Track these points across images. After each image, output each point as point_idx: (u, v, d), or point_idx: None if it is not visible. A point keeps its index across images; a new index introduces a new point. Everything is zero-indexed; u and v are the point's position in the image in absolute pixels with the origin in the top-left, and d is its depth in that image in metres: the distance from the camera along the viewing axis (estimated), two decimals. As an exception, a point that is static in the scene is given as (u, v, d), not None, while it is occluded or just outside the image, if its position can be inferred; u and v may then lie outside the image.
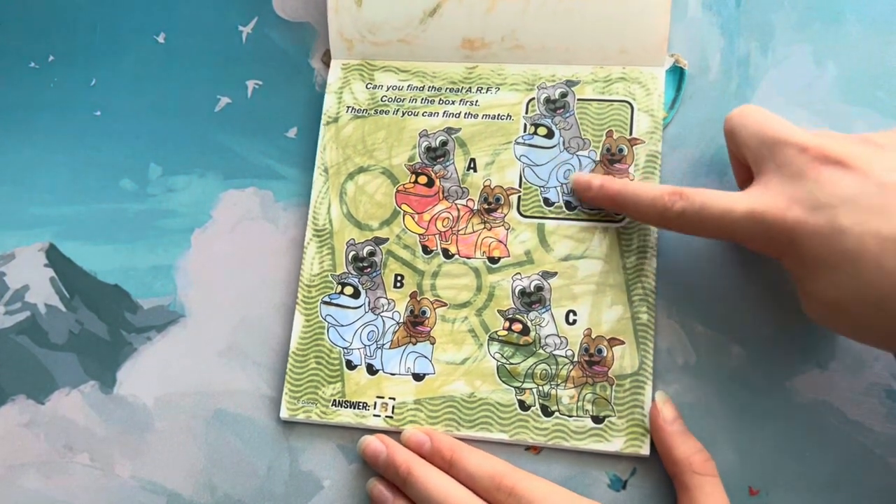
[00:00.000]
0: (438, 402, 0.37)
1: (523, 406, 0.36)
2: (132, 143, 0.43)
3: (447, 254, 0.38)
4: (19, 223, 0.43)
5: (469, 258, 0.38)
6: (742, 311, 0.36)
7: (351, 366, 0.37)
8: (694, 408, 0.35)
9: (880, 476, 0.34)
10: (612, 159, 0.38)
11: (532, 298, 0.37)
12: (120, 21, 0.45)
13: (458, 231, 0.38)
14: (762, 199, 0.29)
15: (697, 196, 0.31)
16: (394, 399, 0.37)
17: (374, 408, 0.37)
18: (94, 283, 0.42)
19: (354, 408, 0.37)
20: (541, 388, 0.36)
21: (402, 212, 0.39)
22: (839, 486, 0.34)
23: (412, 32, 0.40)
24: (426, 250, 0.38)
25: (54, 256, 0.42)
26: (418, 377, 0.37)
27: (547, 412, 0.36)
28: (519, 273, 0.37)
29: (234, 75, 0.43)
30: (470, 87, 0.40)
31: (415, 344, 0.37)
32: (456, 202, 0.39)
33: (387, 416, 0.37)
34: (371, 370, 0.37)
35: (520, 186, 0.38)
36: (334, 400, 0.37)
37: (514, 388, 0.36)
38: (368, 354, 0.38)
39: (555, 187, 0.38)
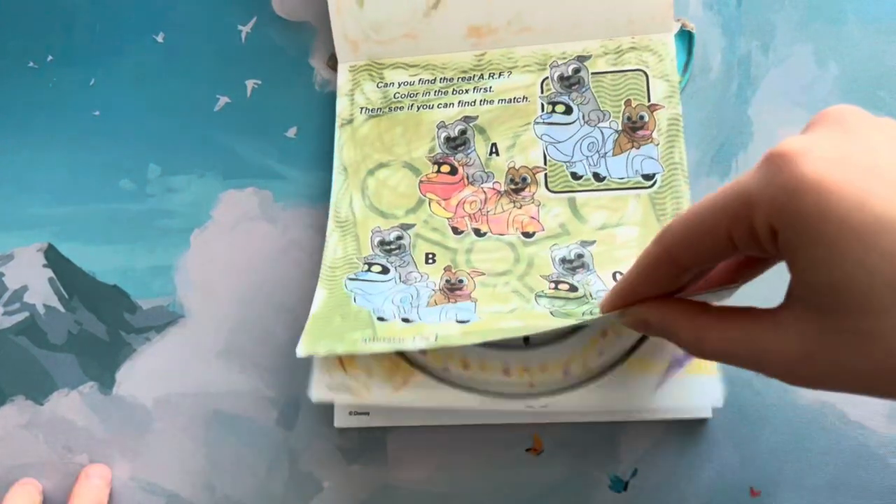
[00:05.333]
0: (492, 332, 0.33)
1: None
2: (131, 143, 0.43)
3: (479, 233, 0.37)
4: (18, 223, 0.43)
5: (503, 234, 0.37)
6: (743, 311, 0.36)
7: (382, 320, 0.34)
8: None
9: (882, 477, 0.34)
10: (633, 127, 0.37)
11: (574, 264, 0.36)
12: (119, 21, 0.45)
13: (488, 212, 0.38)
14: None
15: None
16: (436, 334, 0.33)
17: (413, 340, 0.33)
18: (93, 283, 0.42)
19: (389, 341, 0.33)
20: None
21: (427, 199, 0.38)
22: (841, 487, 0.34)
23: (417, 26, 0.40)
24: (456, 231, 0.37)
25: (53, 257, 0.42)
26: (462, 322, 0.34)
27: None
28: (556, 244, 0.36)
29: (233, 75, 0.43)
30: (482, 74, 0.40)
31: (455, 303, 0.35)
32: (482, 186, 0.38)
33: (430, 344, 0.32)
34: (406, 321, 0.34)
35: (545, 164, 0.38)
36: (365, 339, 0.33)
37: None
38: (403, 311, 0.35)
39: (580, 161, 0.38)
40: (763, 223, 0.22)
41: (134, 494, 0.38)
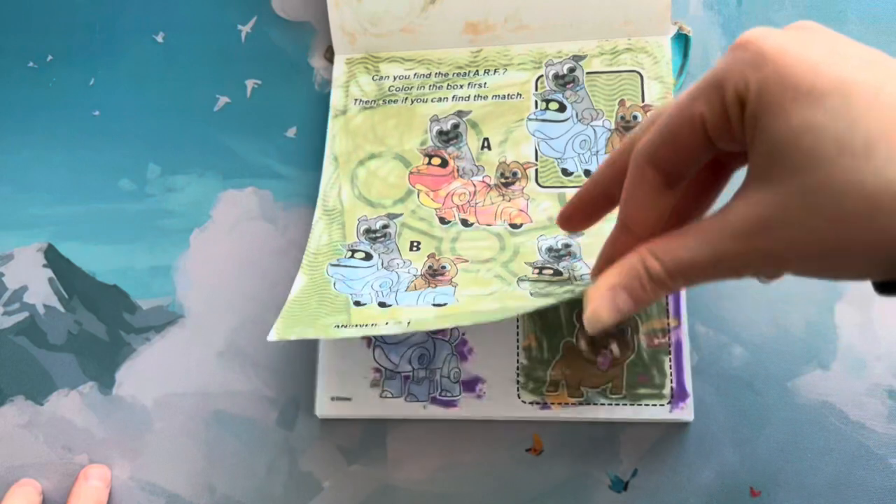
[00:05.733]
0: (466, 315, 0.32)
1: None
2: (131, 143, 0.43)
3: (466, 223, 0.37)
4: (18, 223, 0.43)
5: (490, 225, 0.37)
6: (743, 310, 0.36)
7: (359, 305, 0.34)
8: (694, 408, 0.35)
9: (882, 477, 0.34)
10: (627, 126, 0.38)
11: (561, 253, 0.36)
12: (118, 21, 0.45)
13: (476, 203, 0.38)
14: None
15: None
16: (409, 320, 0.32)
17: (387, 325, 0.32)
18: (93, 283, 0.41)
19: (362, 328, 0.32)
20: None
21: (416, 190, 0.38)
22: (841, 487, 0.34)
23: (414, 21, 0.40)
24: (443, 221, 0.37)
25: (53, 257, 0.42)
26: (439, 306, 0.34)
27: None
28: (543, 234, 0.36)
29: (233, 75, 0.43)
30: (477, 71, 0.40)
31: (435, 287, 0.35)
32: (472, 179, 0.38)
33: (402, 329, 0.32)
34: (383, 306, 0.34)
35: (536, 160, 0.38)
36: (337, 324, 0.33)
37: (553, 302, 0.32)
38: (381, 295, 0.35)
39: (572, 158, 0.38)
40: (732, 97, 0.23)
41: (134, 494, 0.38)
